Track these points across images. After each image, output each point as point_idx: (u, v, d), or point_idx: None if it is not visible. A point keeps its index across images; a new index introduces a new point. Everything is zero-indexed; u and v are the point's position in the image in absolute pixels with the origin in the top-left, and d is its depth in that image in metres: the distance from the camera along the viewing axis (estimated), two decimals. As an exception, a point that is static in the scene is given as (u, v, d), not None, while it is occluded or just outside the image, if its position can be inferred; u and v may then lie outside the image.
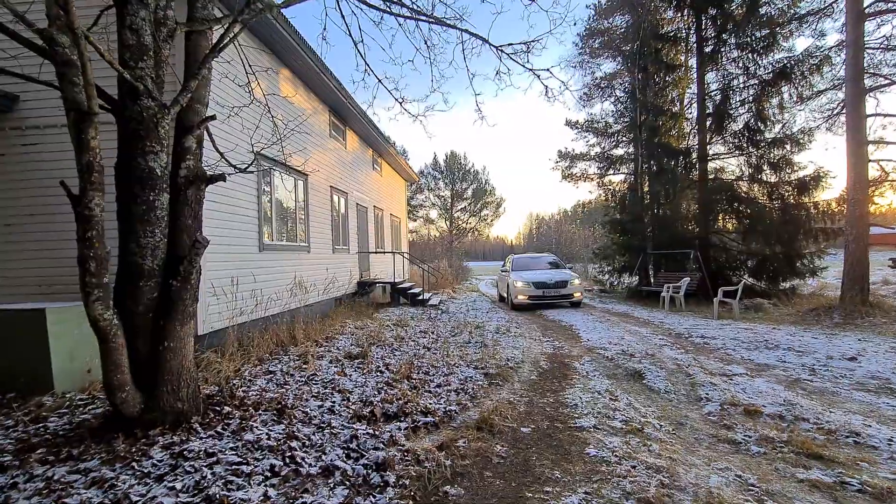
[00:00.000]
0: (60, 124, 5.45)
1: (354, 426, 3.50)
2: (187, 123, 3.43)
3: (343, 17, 5.35)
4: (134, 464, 2.69)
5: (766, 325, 8.47)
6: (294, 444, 3.07)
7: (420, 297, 12.74)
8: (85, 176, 2.81)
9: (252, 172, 4.57)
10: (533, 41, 5.03)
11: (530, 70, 5.52)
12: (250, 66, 4.52)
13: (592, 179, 20.26)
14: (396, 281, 13.10)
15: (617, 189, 17.46)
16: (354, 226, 12.67)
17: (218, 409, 3.55)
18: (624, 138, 18.67)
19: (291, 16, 6.90)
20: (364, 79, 5.94)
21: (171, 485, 2.50)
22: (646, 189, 15.89)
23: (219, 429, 3.22)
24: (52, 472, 2.61)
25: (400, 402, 4.07)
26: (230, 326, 6.02)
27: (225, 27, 3.38)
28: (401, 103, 6.22)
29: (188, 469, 2.65)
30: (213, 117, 3.50)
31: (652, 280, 14.87)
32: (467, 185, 46.07)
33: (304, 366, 5.28)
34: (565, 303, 12.42)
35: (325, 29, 5.40)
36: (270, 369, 5.13)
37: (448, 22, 4.91)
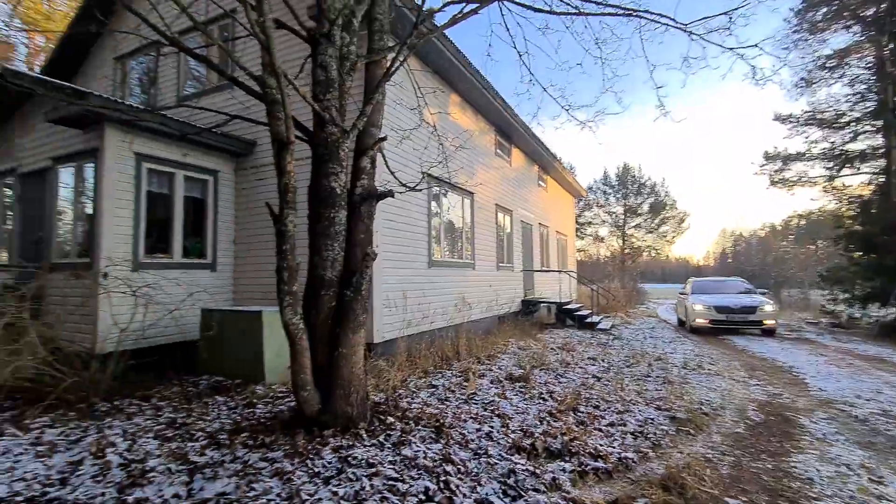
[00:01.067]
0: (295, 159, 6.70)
1: (513, 458, 3.18)
2: (363, 146, 3.71)
3: (508, 29, 5.28)
4: (308, 461, 2.89)
5: None
6: (449, 468, 2.91)
7: (588, 320, 11.79)
8: (282, 196, 3.22)
9: (420, 190, 4.77)
10: (736, 9, 4.09)
11: (731, 49, 4.53)
12: (420, 89, 4.75)
13: (815, 184, 16.12)
14: (562, 301, 12.41)
15: (856, 194, 13.46)
16: (519, 243, 12.52)
17: (383, 417, 3.66)
18: (867, 127, 14.39)
19: (457, 38, 7.16)
20: (528, 90, 5.78)
21: (334, 489, 2.58)
22: (907, 191, 11.83)
23: (381, 438, 3.29)
24: (248, 456, 2.98)
25: (565, 437, 3.59)
26: (400, 337, 6.39)
27: (395, 54, 3.57)
28: (567, 110, 5.82)
29: (350, 476, 2.71)
30: (384, 138, 3.71)
31: (922, 315, 10.84)
32: (642, 200, 41.93)
33: (465, 383, 5.21)
34: (755, 330, 11.10)
35: (490, 45, 5.41)
36: (433, 383, 5.20)
37: (624, 9, 4.37)
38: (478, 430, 3.67)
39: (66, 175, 6.21)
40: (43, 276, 5.47)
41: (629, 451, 3.48)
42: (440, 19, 6.59)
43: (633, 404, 4.76)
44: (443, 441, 3.36)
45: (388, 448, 3.15)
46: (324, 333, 3.50)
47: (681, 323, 13.11)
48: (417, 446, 3.19)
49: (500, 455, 3.22)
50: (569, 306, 12.37)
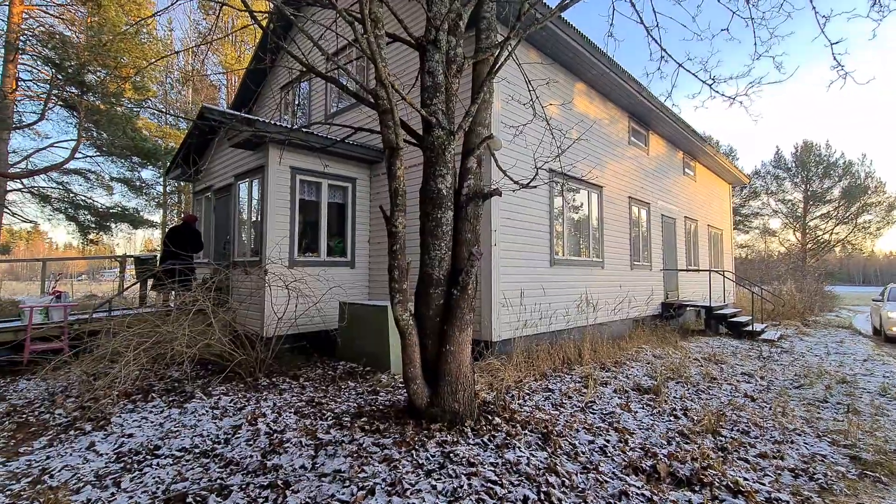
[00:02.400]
0: (408, 166, 7.11)
1: (627, 478, 2.87)
2: (470, 146, 3.73)
3: (633, 3, 4.78)
4: (414, 452, 3.02)
5: None
6: (553, 479, 2.76)
7: (748, 328, 10.05)
8: (392, 199, 3.42)
9: (534, 187, 4.61)
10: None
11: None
12: (531, 83, 4.59)
13: None
14: (714, 305, 10.80)
15: None
16: (658, 240, 11.28)
17: (489, 417, 3.64)
18: None
19: (575, 22, 6.76)
20: (660, 67, 5.09)
21: (434, 483, 2.65)
22: None
23: (485, 439, 3.28)
24: (363, 439, 3.25)
25: (696, 463, 3.12)
26: (517, 337, 6.29)
27: (499, 49, 3.51)
28: (710, 85, 5.03)
29: (451, 473, 2.76)
30: (490, 137, 3.68)
31: None
32: (831, 184, 34.14)
33: (584, 390, 4.89)
34: None
35: (611, 25, 4.95)
36: (550, 387, 5.00)
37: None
38: (590, 442, 3.41)
39: (243, 189, 7.56)
40: (224, 272, 6.74)
41: (784, 493, 2.86)
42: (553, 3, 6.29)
43: (798, 434, 3.90)
44: (549, 449, 3.20)
45: (491, 449, 3.13)
46: (433, 330, 3.62)
47: (875, 332, 11.88)
48: (521, 451, 3.10)
49: (612, 473, 2.94)
50: (722, 311, 10.71)
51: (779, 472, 3.19)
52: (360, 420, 3.64)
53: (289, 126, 7.42)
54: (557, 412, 4.13)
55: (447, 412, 3.49)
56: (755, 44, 4.45)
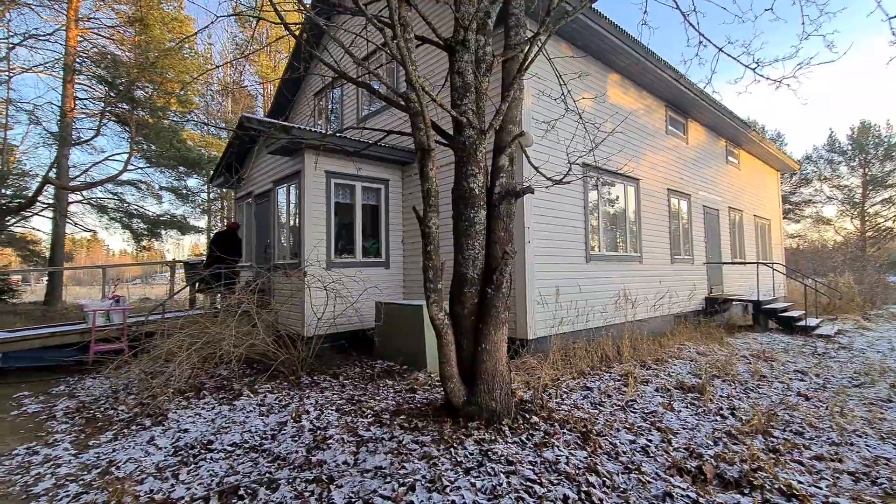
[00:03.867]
0: (440, 166, 7.15)
1: (672, 480, 2.80)
2: (501, 144, 3.73)
3: (667, -10, 4.62)
4: (452, 449, 3.06)
5: None
6: (593, 478, 2.73)
7: (800, 323, 9.50)
8: (425, 200, 3.47)
9: (567, 183, 4.53)
10: None
11: None
12: (561, 77, 4.52)
13: None
14: (762, 300, 10.27)
15: None
16: (700, 232, 10.85)
17: (527, 416, 3.63)
18: None
19: (607, 12, 6.61)
20: (698, 53, 4.91)
21: (473, 480, 2.68)
22: None
23: (524, 437, 3.27)
24: (403, 436, 3.31)
25: (745, 465, 3.00)
26: (553, 335, 6.21)
27: (528, 46, 3.48)
28: (753, 70, 4.79)
29: (489, 471, 2.78)
30: (521, 134, 3.66)
31: None
32: (893, 166, 31.67)
33: (624, 388, 4.78)
34: None
35: (645, 13, 4.81)
36: (588, 385, 4.92)
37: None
38: (632, 441, 3.34)
39: (281, 194, 7.83)
40: (266, 275, 7.01)
41: (843, 497, 2.71)
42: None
43: (859, 436, 3.67)
44: (589, 448, 3.16)
45: (530, 448, 3.12)
46: (468, 329, 3.65)
47: None
48: (560, 450, 3.08)
49: (655, 473, 2.88)
50: (772, 305, 10.18)
51: (837, 475, 3.02)
52: (400, 418, 3.72)
53: (323, 131, 7.62)
54: (597, 411, 4.06)
55: (484, 410, 3.51)
56: (803, 23, 4.21)
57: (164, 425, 3.91)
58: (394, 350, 6.08)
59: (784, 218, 35.78)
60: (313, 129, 6.64)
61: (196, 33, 8.51)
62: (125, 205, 17.61)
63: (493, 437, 3.23)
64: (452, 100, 3.66)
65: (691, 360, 6.33)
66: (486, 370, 3.52)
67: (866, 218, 32.76)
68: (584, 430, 3.42)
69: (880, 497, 2.77)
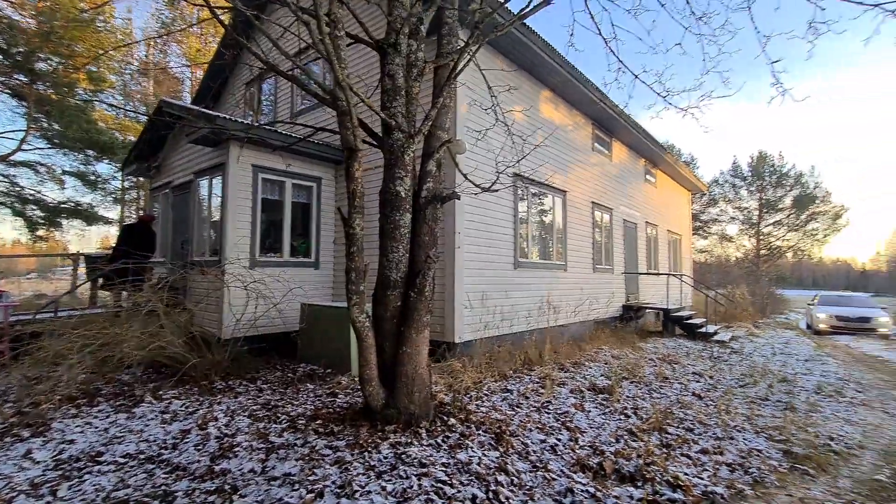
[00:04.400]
0: (375, 166, 7.05)
1: (574, 476, 2.97)
2: (429, 149, 3.77)
3: (592, 16, 4.94)
4: (366, 454, 3.03)
5: None
6: (502, 478, 2.82)
7: (702, 330, 10.51)
8: (350, 201, 3.42)
9: (496, 191, 4.67)
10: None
11: (876, 6, 3.67)
12: (492, 89, 4.68)
13: None
14: (671, 308, 11.24)
15: None
16: (620, 244, 11.65)
17: (445, 418, 3.68)
18: None
19: (539, 30, 6.90)
20: (617, 78, 5.29)
21: (384, 484, 2.66)
22: None
23: (440, 439, 3.31)
24: (317, 442, 3.23)
25: (641, 460, 3.25)
26: (480, 339, 6.36)
27: (458, 55, 3.56)
28: (664, 97, 5.25)
29: (401, 474, 2.78)
30: (449, 141, 3.73)
31: None
32: (784, 192, 36.05)
33: (542, 390, 5.00)
34: (873, 335, 13.23)
35: (571, 35, 5.11)
36: (508, 387, 5.09)
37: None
38: (542, 441, 3.50)
39: (203, 186, 7.34)
40: (180, 272, 6.53)
41: (720, 486, 3.02)
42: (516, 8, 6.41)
43: (738, 431, 4.12)
44: (502, 449, 3.27)
45: (445, 450, 3.16)
46: (390, 332, 3.64)
47: (808, 327, 14.98)
48: (474, 451, 3.15)
49: (560, 471, 3.03)
50: (679, 313, 11.16)
51: (717, 466, 3.36)
52: (316, 423, 3.61)
53: (253, 123, 7.27)
54: (513, 412, 4.21)
55: (403, 413, 3.50)
56: (704, 59, 4.68)
57: (45, 436, 3.50)
58: (318, 353, 5.91)
59: (694, 234, 39.36)
60: (241, 121, 6.29)
61: (107, 1, 7.74)
62: (18, 189, 15.58)
63: (409, 440, 3.24)
64: (382, 102, 3.65)
65: (605, 363, 6.76)
66: (407, 373, 3.53)
67: (761, 237, 36.92)
68: (498, 431, 3.53)
69: (750, 485, 3.13)
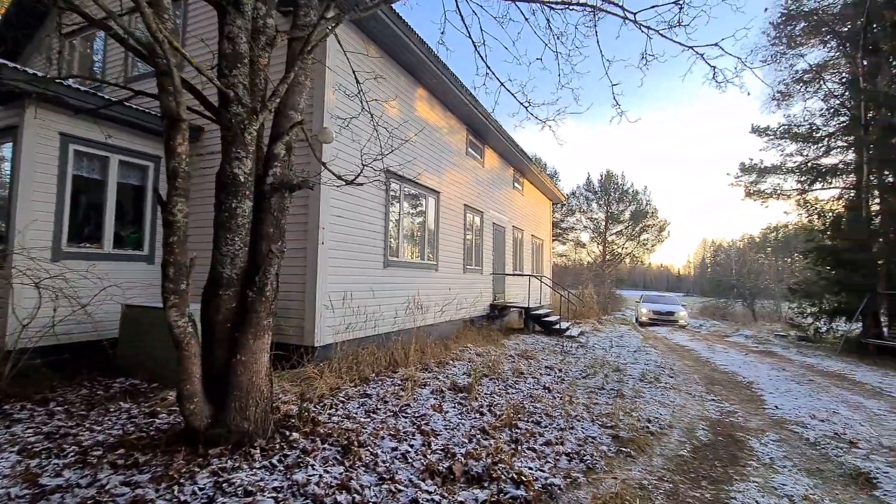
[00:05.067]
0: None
1: (422, 484, 2.83)
2: (279, 130, 3.33)
3: (462, 18, 4.97)
4: (176, 487, 2.50)
5: None
6: (342, 497, 2.55)
7: (556, 326, 11.55)
8: (170, 181, 2.83)
9: (361, 185, 4.38)
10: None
11: (690, 48, 4.28)
12: (356, 74, 4.39)
13: (789, 197, 16.19)
14: (531, 307, 12.14)
15: (827, 208, 13.52)
16: (489, 246, 12.22)
17: (288, 433, 3.28)
18: (839, 143, 14.49)
19: (413, 23, 6.80)
20: (485, 83, 5.43)
21: (193, 524, 2.20)
22: (874, 207, 11.88)
23: (276, 459, 2.91)
24: (110, 479, 2.58)
25: (490, 459, 3.27)
26: (343, 341, 6.00)
27: (313, 29, 3.20)
28: (526, 107, 5.53)
29: (218, 507, 2.34)
30: (301, 122, 3.35)
31: (885, 330, 10.88)
32: (624, 207, 42.17)
33: (402, 393, 4.85)
34: (675, 325, 17.72)
35: (442, 33, 5.08)
36: (368, 392, 4.83)
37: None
38: (394, 449, 3.32)
39: (-16, 154, 5.68)
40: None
41: (558, 477, 3.16)
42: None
43: (578, 420, 4.46)
44: (348, 462, 3.00)
45: (280, 471, 2.78)
46: (223, 338, 3.11)
47: (636, 319, 19.09)
48: (315, 469, 2.83)
49: (408, 480, 2.88)
50: (538, 312, 12.11)
51: (558, 457, 3.54)
52: (116, 453, 2.91)
53: (57, 79, 5.84)
54: (369, 419, 3.97)
55: (234, 433, 3.01)
56: (559, 74, 5.02)
57: None
58: (141, 364, 4.94)
59: (554, 240, 43.72)
60: (36, 73, 4.94)
61: None
62: None
63: (237, 465, 2.77)
64: (220, 69, 3.12)
65: (469, 362, 6.92)
66: (241, 385, 3.04)
67: (606, 244, 42.60)
68: (347, 442, 3.25)
69: (584, 472, 3.34)
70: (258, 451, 2.96)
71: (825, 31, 14.88)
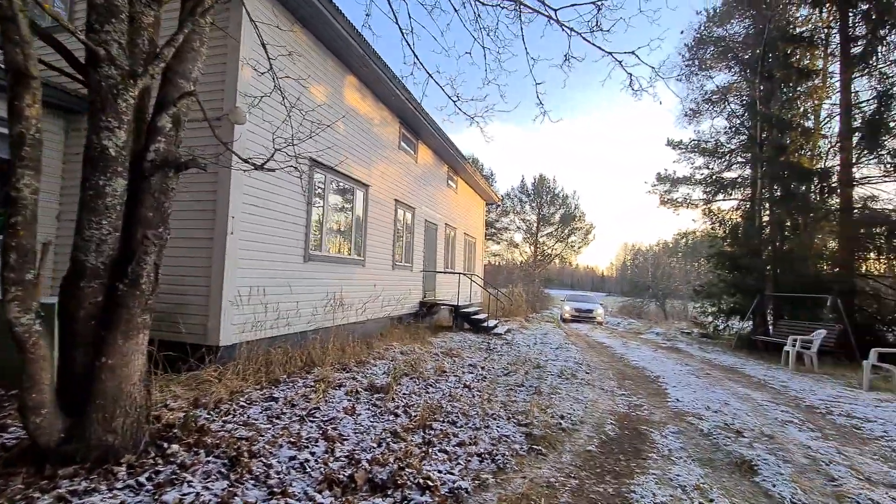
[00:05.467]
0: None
1: (318, 496, 2.60)
2: (165, 99, 2.92)
3: (389, 2, 4.75)
4: (4, 518, 2.07)
5: (950, 408, 6.05)
6: (221, 517, 2.26)
7: (484, 324, 11.66)
8: (15, 150, 2.35)
9: (273, 171, 4.01)
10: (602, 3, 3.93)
11: (609, 53, 4.40)
12: (266, 47, 4.02)
13: (697, 206, 17.72)
14: (460, 305, 12.17)
15: (727, 217, 14.90)
16: (421, 243, 12.08)
17: (165, 445, 2.89)
18: (739, 159, 16.07)
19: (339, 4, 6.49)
20: (413, 73, 5.33)
21: (17, 564, 1.81)
22: (765, 218, 13.29)
23: (145, 476, 2.53)
24: (-89, 513, 2.08)
25: (397, 464, 3.10)
26: (253, 340, 5.54)
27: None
28: (455, 101, 5.44)
29: (56, 541, 1.95)
30: (192, 93, 2.95)
31: (771, 328, 12.20)
32: (555, 210, 44.05)
33: (313, 395, 4.55)
34: (593, 322, 19.25)
35: (368, 15, 4.82)
36: (275, 395, 4.47)
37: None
38: (292, 458, 3.04)
39: None
40: None
41: (466, 479, 3.07)
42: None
43: (494, 419, 4.43)
44: (235, 476, 2.68)
45: (147, 490, 2.41)
46: (84, 338, 2.66)
47: (560, 318, 20.09)
48: (192, 486, 2.49)
49: (303, 492, 2.63)
50: (467, 310, 12.16)
51: (470, 458, 3.46)
52: (-68, 479, 2.37)
53: None
54: (270, 425, 3.64)
55: (95, 448, 2.58)
56: (486, 70, 4.97)
57: None
58: (-3, 369, 4.19)
59: (490, 240, 44.66)
60: None
61: None
62: None
63: (92, 486, 2.37)
64: (88, 21, 2.65)
65: (392, 360, 6.71)
66: (106, 392, 2.62)
67: (538, 245, 44.27)
68: (236, 452, 2.92)
69: (494, 473, 3.28)
70: (124, 468, 2.55)
71: (731, 57, 16.44)
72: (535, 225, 43.86)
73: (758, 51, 13.38)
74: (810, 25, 12.95)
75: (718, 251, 14.18)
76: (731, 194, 15.94)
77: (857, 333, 9.57)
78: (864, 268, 11.08)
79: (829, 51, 12.64)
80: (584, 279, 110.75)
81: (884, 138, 10.38)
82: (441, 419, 4.25)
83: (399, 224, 10.62)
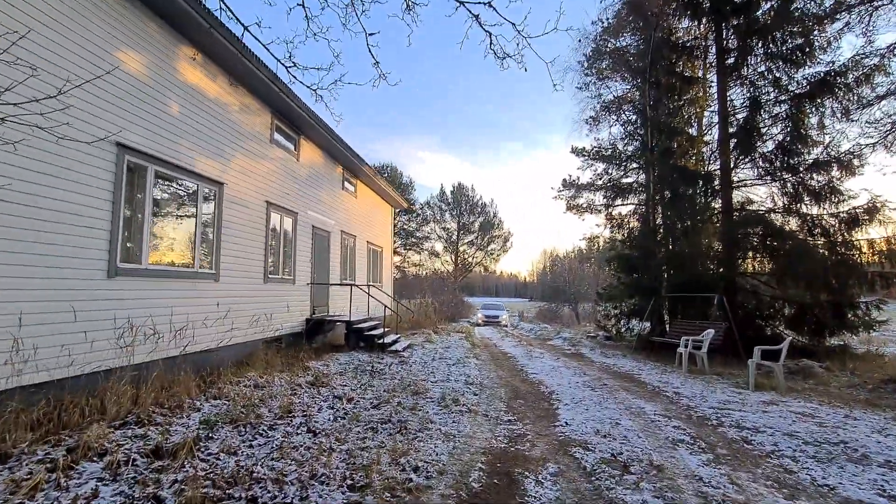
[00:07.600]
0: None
1: None
2: None
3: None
4: None
5: (828, 405, 5.97)
6: None
7: (381, 341, 10.45)
8: None
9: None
10: None
11: (461, 4, 3.51)
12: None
13: (600, 211, 18.05)
14: (353, 320, 10.86)
15: (625, 221, 15.18)
16: (307, 252, 10.63)
17: None
18: (634, 164, 16.58)
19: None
20: (224, 24, 4.02)
21: None
22: (659, 221, 13.63)
23: None
24: None
25: None
26: (20, 387, 3.87)
27: None
28: (288, 68, 4.26)
29: None
30: None
31: (667, 328, 12.37)
32: (474, 218, 44.18)
33: (49, 475, 3.07)
34: (500, 325, 22.70)
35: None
36: (-26, 483, 2.93)
37: None
38: None
39: None
40: None
41: None
42: None
43: (322, 483, 3.27)
44: None
45: None
46: None
47: (475, 323, 23.47)
48: None
49: None
50: (360, 325, 10.89)
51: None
52: None
53: None
54: None
55: None
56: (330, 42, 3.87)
57: None
58: None
59: (409, 249, 43.62)
60: None
61: None
62: None
63: None
64: None
65: (232, 400, 5.27)
66: None
67: (458, 254, 44.03)
68: None
69: None
70: None
71: (625, 68, 17.03)
72: (456, 233, 43.63)
73: (647, 58, 13.79)
74: (691, 36, 13.59)
75: (618, 254, 14.32)
76: (628, 199, 16.34)
77: (741, 328, 9.79)
78: (744, 266, 11.56)
79: (707, 61, 13.33)
80: (507, 286, 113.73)
81: (756, 143, 10.91)
82: (239, 494, 3.00)
83: (275, 231, 9.14)
